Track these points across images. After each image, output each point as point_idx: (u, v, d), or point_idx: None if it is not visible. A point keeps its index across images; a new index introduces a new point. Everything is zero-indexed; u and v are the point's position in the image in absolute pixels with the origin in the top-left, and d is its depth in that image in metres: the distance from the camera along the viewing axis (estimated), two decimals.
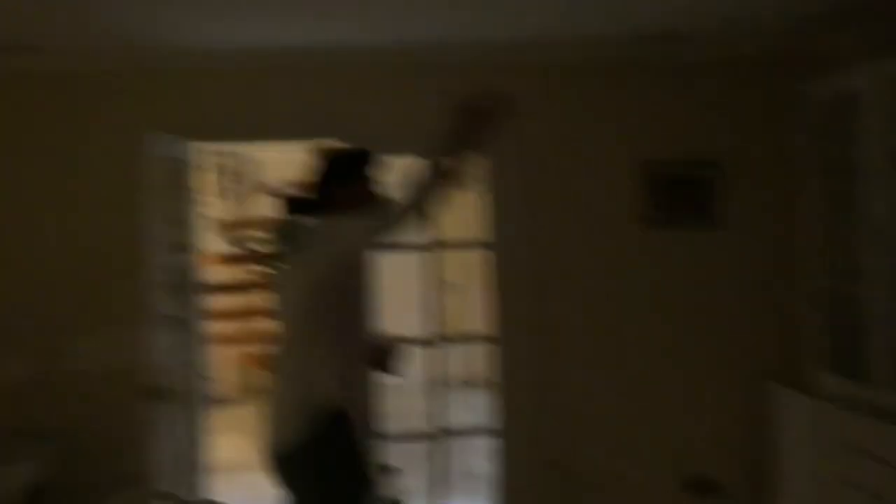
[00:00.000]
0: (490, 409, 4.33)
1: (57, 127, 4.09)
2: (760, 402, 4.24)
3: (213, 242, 7.26)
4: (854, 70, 3.55)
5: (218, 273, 7.26)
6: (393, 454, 4.03)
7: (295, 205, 2.91)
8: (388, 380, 3.28)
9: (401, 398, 4.22)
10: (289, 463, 2.68)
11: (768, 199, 4.33)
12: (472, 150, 2.66)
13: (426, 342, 4.34)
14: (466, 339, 4.63)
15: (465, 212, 4.08)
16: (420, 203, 2.62)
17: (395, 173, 2.96)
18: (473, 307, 4.93)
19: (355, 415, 2.70)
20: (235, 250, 7.88)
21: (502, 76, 3.84)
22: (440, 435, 4.40)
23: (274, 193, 3.56)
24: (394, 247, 3.25)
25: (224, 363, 7.27)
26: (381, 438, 3.91)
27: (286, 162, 4.77)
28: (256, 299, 7.63)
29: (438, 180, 2.61)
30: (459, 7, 3.57)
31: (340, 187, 2.87)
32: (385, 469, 3.77)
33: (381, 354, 2.98)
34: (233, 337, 7.56)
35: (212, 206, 7.08)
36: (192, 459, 4.21)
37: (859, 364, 3.56)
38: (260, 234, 7.64)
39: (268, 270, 5.83)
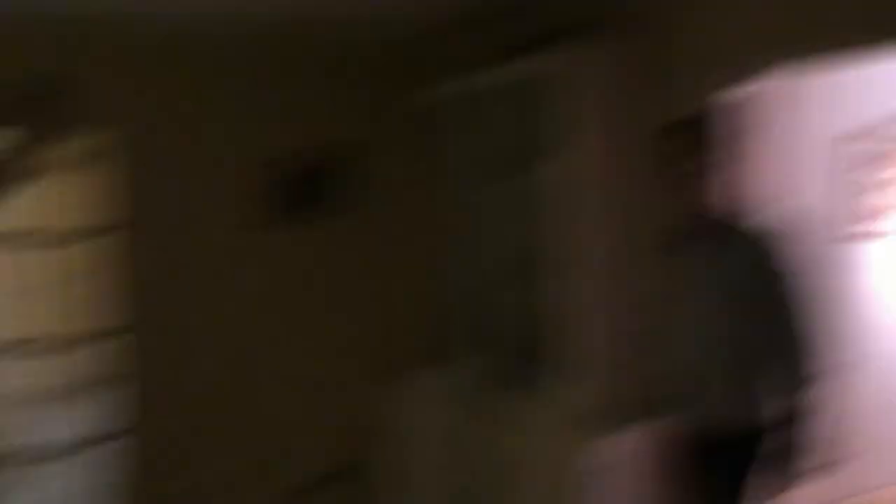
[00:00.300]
0: (103, 416, 3.95)
1: None
2: (380, 398, 4.24)
3: None
4: (481, 72, 3.74)
5: None
6: None
7: None
8: None
9: None
10: None
11: (402, 195, 4.31)
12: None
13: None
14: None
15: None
16: None
17: None
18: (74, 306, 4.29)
19: None
20: None
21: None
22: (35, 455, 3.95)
23: None
24: None
25: None
26: None
27: None
28: None
29: None
30: None
31: None
32: None
33: None
34: None
35: None
36: None
37: (464, 359, 3.80)
38: None
39: None
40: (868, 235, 4.82)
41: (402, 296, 4.39)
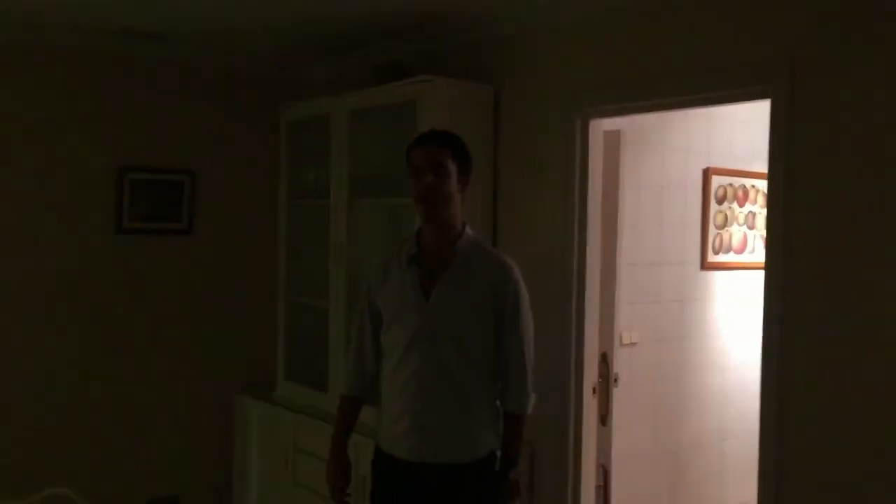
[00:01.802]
0: None
1: None
2: (228, 414, 4.25)
3: None
4: (327, 100, 3.88)
5: None
6: None
7: None
8: None
9: None
10: None
11: (243, 212, 4.38)
12: None
13: None
14: None
15: None
16: None
17: None
18: None
19: None
20: None
21: None
22: None
23: None
24: None
25: None
26: None
27: None
28: None
29: None
30: None
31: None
32: None
33: None
34: None
35: None
36: None
37: (316, 372, 3.88)
38: None
39: None
40: (725, 267, 4.97)
41: (246, 313, 4.37)
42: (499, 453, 2.57)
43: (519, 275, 2.55)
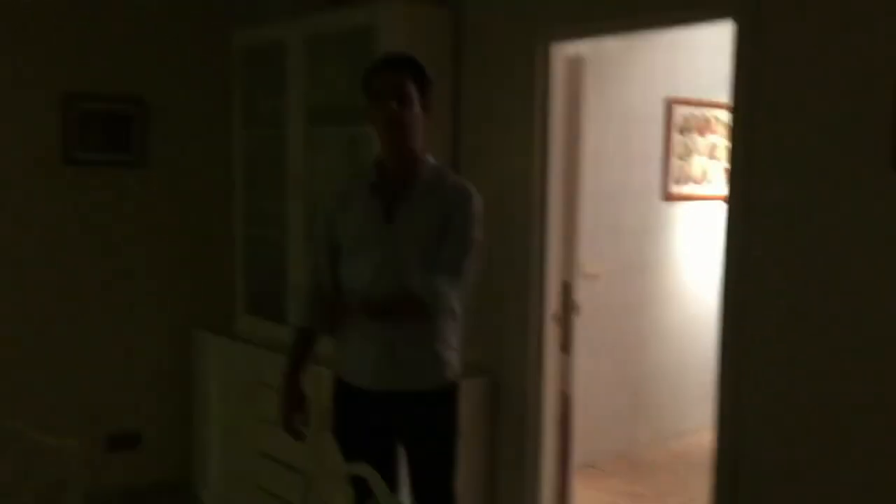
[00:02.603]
0: None
1: None
2: (186, 349, 4.18)
3: None
4: (281, 25, 3.72)
5: None
6: None
7: None
8: None
9: None
10: None
11: (197, 142, 4.23)
12: None
13: None
14: None
15: None
16: None
17: None
18: None
19: None
20: None
21: None
22: None
23: None
24: None
25: None
26: None
27: None
28: None
29: None
30: None
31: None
32: None
33: None
34: None
35: None
36: None
37: (276, 305, 3.80)
38: None
39: None
40: (687, 198, 4.98)
41: (204, 246, 4.26)
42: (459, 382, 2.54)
43: (478, 199, 2.48)
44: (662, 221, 4.87)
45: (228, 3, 4.21)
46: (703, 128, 4.96)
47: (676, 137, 4.81)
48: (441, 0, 3.47)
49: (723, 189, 2.84)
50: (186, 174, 4.20)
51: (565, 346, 3.39)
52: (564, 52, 3.29)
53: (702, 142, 4.96)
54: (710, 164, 5.02)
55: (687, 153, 4.88)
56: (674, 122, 4.78)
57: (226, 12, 4.18)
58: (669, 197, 4.83)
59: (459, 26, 3.45)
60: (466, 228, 2.44)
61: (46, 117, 3.84)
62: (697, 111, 4.91)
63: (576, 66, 3.67)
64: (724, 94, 2.78)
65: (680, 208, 4.92)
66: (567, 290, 3.37)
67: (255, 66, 3.99)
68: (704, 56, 4.84)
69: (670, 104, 4.75)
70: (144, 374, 4.16)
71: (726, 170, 2.76)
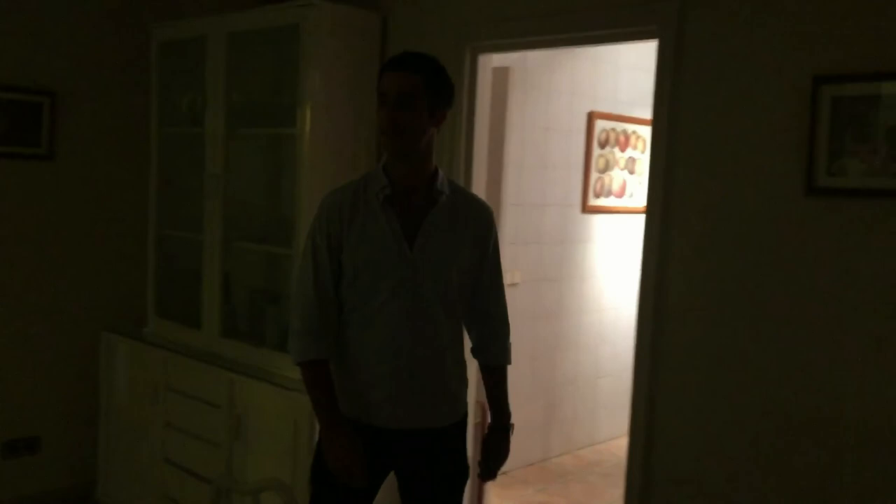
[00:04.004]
0: None
1: None
2: (94, 351, 4.05)
3: None
4: (203, 19, 3.65)
5: None
6: None
7: None
8: None
9: None
10: None
11: (112, 137, 4.06)
12: None
13: None
14: None
15: None
16: None
17: None
18: None
19: None
20: None
21: None
22: None
23: None
24: None
25: None
26: None
27: None
28: None
29: None
30: None
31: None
32: None
33: None
34: None
35: None
36: None
37: (189, 308, 3.73)
38: None
39: None
40: (606, 210, 5.06)
41: (115, 246, 4.09)
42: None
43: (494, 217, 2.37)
44: (582, 232, 4.94)
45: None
46: (624, 142, 5.05)
47: (597, 150, 4.90)
48: (371, 4, 3.43)
49: (639, 202, 2.89)
50: (99, 170, 4.02)
51: None
52: (491, 62, 3.31)
53: (621, 155, 5.06)
54: (629, 178, 5.12)
55: (607, 166, 4.96)
56: (595, 135, 4.86)
57: (144, 5, 4.05)
58: (589, 209, 4.91)
59: (387, 32, 3.43)
60: (497, 254, 2.34)
61: None
62: (618, 125, 5.00)
63: (502, 76, 3.69)
64: (644, 110, 2.83)
65: (599, 220, 5.01)
66: None
67: (174, 61, 3.87)
68: (626, 72, 4.94)
69: (592, 118, 4.83)
70: (47, 377, 3.96)
71: (645, 182, 2.82)
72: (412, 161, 2.18)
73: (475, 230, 2.25)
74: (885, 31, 2.23)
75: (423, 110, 2.13)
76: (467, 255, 2.23)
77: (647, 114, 2.77)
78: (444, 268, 2.19)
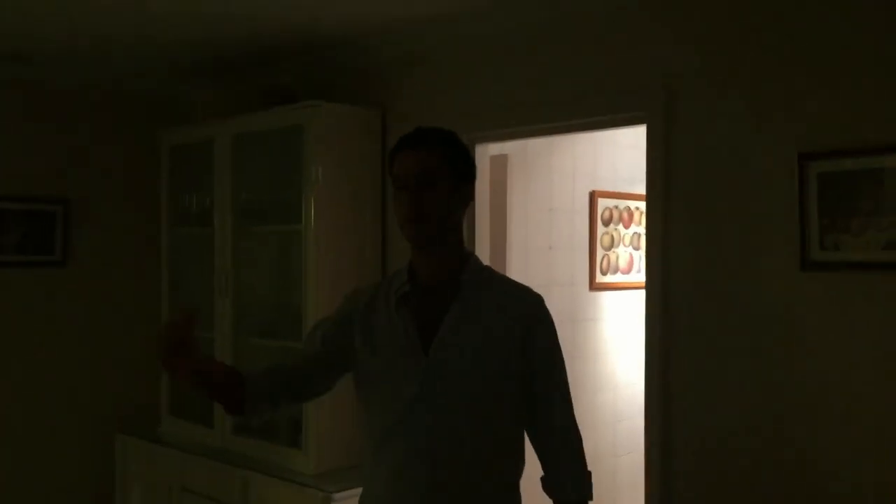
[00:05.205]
0: None
1: None
2: (108, 452, 4.06)
3: None
4: (210, 123, 3.79)
5: None
6: None
7: None
8: None
9: None
10: None
11: (122, 240, 4.19)
12: None
13: None
14: None
15: None
16: None
17: None
18: None
19: None
20: None
21: None
22: None
23: None
24: None
25: None
26: None
27: None
28: None
29: None
30: None
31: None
32: None
33: None
34: None
35: None
36: None
37: (201, 407, 3.71)
38: None
39: None
40: (613, 287, 5.08)
41: (127, 347, 4.16)
42: None
43: (547, 309, 1.96)
44: (591, 310, 4.94)
45: (156, 101, 4.23)
46: (628, 219, 5.11)
47: (601, 228, 4.95)
48: (370, 101, 3.55)
49: None
50: (111, 272, 4.13)
51: None
52: (489, 151, 3.40)
53: (626, 232, 5.10)
54: (636, 254, 5.15)
55: (612, 243, 5.01)
56: (598, 213, 4.92)
57: (154, 110, 4.20)
58: (596, 286, 4.93)
59: (387, 127, 3.53)
60: (553, 355, 1.93)
61: None
62: (621, 203, 5.06)
63: (501, 162, 3.78)
64: (644, 186, 2.89)
65: (608, 297, 5.02)
66: None
67: (183, 164, 3.99)
68: (626, 151, 5.03)
69: (594, 196, 4.90)
70: (62, 479, 3.97)
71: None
72: (440, 250, 1.89)
73: (514, 330, 1.87)
74: (864, 107, 2.29)
75: (447, 188, 1.86)
76: (502, 363, 1.86)
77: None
78: (469, 376, 1.84)
